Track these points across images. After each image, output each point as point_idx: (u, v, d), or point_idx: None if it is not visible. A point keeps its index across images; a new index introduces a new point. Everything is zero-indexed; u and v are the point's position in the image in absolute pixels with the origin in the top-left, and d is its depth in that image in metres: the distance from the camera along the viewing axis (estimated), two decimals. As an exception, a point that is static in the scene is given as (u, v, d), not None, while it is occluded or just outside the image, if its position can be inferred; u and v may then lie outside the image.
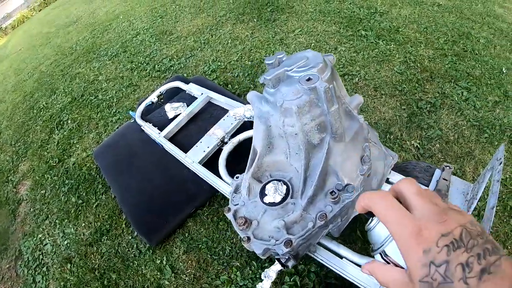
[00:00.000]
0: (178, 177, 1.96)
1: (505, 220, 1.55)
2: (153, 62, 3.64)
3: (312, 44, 3.12)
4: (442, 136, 2.00)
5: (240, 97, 2.55)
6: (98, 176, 2.45)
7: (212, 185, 1.67)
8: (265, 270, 1.11)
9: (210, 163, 1.83)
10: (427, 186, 1.33)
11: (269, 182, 1.00)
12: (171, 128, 2.07)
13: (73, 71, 4.20)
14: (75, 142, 2.91)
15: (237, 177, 1.14)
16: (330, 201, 0.91)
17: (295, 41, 3.24)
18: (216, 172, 1.66)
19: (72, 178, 2.53)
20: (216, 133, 1.94)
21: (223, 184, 1.60)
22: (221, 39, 3.64)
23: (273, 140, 0.96)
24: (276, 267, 1.11)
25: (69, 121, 3.21)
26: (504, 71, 2.38)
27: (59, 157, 2.81)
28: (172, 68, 3.43)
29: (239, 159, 1.86)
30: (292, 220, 0.89)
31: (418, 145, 1.99)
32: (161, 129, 2.08)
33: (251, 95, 0.98)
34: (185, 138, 2.09)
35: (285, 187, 0.97)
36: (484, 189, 1.12)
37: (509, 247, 1.45)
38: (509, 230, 1.50)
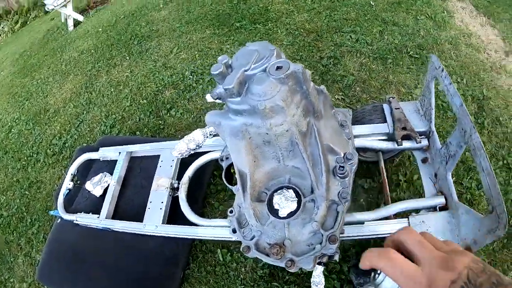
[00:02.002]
0: (147, 250, 1.70)
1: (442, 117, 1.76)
2: (43, 148, 3.11)
3: (197, 55, 3.06)
4: (356, 79, 2.16)
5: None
6: (51, 302, 1.97)
7: (189, 237, 1.47)
8: (311, 280, 1.02)
9: (172, 217, 1.62)
10: (385, 122, 1.40)
11: (272, 196, 0.89)
12: (107, 205, 1.77)
13: (-44, 199, 3.32)
14: (6, 277, 2.31)
15: (231, 212, 1.00)
16: (341, 177, 0.86)
17: (178, 60, 3.14)
18: (184, 221, 1.48)
19: (24, 320, 2.00)
20: (161, 183, 1.73)
21: (201, 229, 1.42)
22: (102, 92, 3.30)
23: (256, 151, 0.85)
24: (318, 271, 1.03)
25: (-16, 258, 2.53)
26: (372, 3, 2.69)
27: (-4, 304, 2.19)
28: (66, 145, 2.98)
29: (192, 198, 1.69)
30: (322, 215, 0.81)
31: (342, 96, 2.10)
32: (96, 212, 1.77)
33: (212, 117, 0.85)
34: (129, 208, 1.82)
35: (291, 190, 0.88)
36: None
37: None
38: (448, 126, 1.71)
